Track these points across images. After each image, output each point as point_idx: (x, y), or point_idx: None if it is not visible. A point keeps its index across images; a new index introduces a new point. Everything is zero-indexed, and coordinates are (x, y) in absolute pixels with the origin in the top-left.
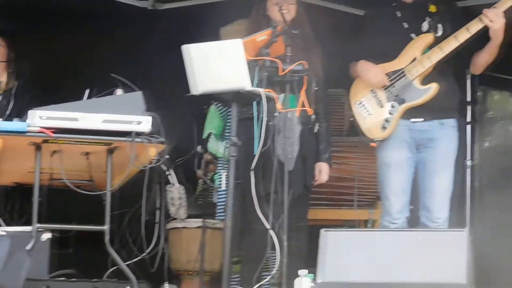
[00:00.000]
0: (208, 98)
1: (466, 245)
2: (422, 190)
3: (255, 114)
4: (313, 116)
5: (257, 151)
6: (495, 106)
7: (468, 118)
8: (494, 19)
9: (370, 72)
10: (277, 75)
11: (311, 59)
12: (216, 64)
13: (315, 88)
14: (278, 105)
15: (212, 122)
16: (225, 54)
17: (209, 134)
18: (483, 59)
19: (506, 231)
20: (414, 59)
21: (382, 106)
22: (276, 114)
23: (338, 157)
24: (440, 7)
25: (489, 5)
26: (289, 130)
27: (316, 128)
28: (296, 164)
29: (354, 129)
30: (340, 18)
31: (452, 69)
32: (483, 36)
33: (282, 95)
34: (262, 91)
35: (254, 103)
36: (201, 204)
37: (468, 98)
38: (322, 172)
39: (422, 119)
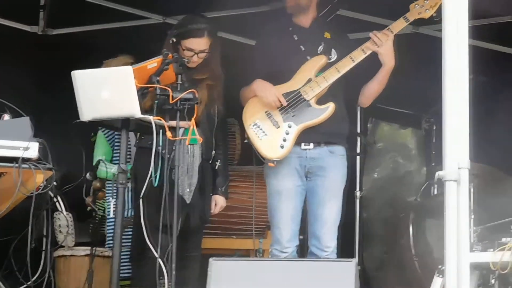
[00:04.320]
0: (98, 125)
1: (354, 276)
2: (312, 219)
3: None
4: (213, 152)
5: (147, 180)
6: (384, 138)
7: (358, 149)
8: (380, 43)
9: (266, 91)
10: (168, 103)
11: (213, 92)
12: (106, 91)
13: (217, 121)
14: (168, 134)
15: (101, 148)
16: (115, 81)
17: (98, 161)
18: (373, 88)
19: (392, 261)
20: (309, 80)
21: (278, 127)
22: (174, 147)
23: (229, 186)
24: (334, 35)
25: None
26: (189, 163)
27: (217, 165)
28: (194, 196)
29: (245, 159)
30: (233, 47)
31: (344, 96)
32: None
33: (182, 128)
34: (152, 118)
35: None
36: (92, 232)
37: (358, 129)
38: (218, 204)
39: (312, 146)
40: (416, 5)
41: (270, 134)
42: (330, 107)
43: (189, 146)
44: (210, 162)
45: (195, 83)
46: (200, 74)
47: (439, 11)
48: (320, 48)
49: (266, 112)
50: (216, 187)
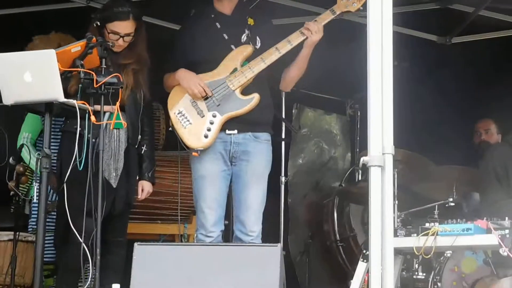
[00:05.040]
0: (22, 109)
1: (279, 260)
2: (237, 203)
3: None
4: (139, 137)
5: (71, 164)
6: (309, 124)
7: (283, 135)
8: (315, 32)
9: (190, 81)
10: (92, 87)
11: (139, 76)
12: (28, 74)
13: (143, 106)
14: (93, 118)
15: (31, 124)
16: (38, 64)
17: (22, 145)
18: (293, 73)
19: (317, 246)
20: (235, 70)
21: (203, 116)
22: (101, 130)
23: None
24: (258, 21)
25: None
26: (115, 147)
27: (143, 149)
28: (120, 181)
29: (170, 143)
30: (156, 31)
31: (268, 83)
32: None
33: (108, 113)
34: (76, 102)
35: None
36: (14, 215)
37: (283, 115)
38: (145, 190)
39: (236, 131)
40: None
41: (194, 123)
42: (254, 98)
43: (114, 130)
44: (136, 147)
45: (120, 68)
46: (126, 58)
47: (365, 5)
48: (244, 37)
49: (191, 100)
50: (142, 173)
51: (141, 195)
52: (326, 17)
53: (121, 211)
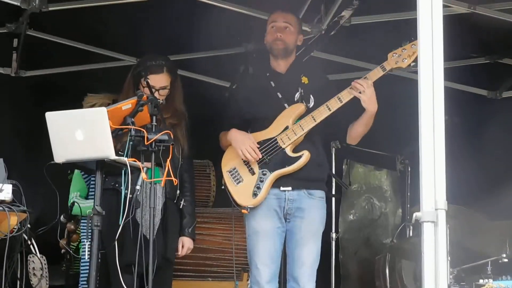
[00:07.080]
0: (73, 166)
1: None
2: (291, 260)
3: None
4: (178, 192)
5: (121, 222)
6: (359, 179)
7: (333, 191)
8: (363, 90)
9: (242, 145)
10: (143, 144)
11: (177, 131)
12: (80, 132)
13: (181, 161)
14: (143, 175)
15: (76, 185)
16: (89, 122)
17: (73, 203)
18: (359, 129)
19: None
20: (286, 128)
21: (253, 174)
22: (137, 186)
23: (204, 228)
24: (312, 78)
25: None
26: (152, 202)
27: (181, 204)
28: (157, 236)
29: (220, 200)
30: (208, 89)
31: (322, 140)
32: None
33: (145, 168)
34: (127, 160)
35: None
36: (65, 274)
37: (333, 171)
38: (185, 246)
39: (291, 188)
40: (394, 54)
41: (245, 180)
42: (304, 156)
43: (151, 185)
44: (175, 201)
45: (158, 122)
46: (163, 113)
47: (417, 61)
48: (297, 95)
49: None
50: (182, 228)
51: (181, 251)
52: (376, 73)
53: (159, 266)
